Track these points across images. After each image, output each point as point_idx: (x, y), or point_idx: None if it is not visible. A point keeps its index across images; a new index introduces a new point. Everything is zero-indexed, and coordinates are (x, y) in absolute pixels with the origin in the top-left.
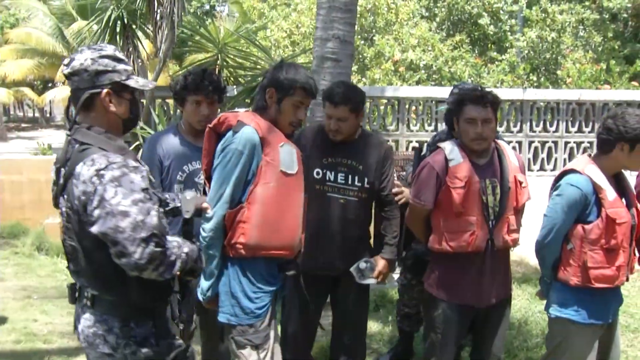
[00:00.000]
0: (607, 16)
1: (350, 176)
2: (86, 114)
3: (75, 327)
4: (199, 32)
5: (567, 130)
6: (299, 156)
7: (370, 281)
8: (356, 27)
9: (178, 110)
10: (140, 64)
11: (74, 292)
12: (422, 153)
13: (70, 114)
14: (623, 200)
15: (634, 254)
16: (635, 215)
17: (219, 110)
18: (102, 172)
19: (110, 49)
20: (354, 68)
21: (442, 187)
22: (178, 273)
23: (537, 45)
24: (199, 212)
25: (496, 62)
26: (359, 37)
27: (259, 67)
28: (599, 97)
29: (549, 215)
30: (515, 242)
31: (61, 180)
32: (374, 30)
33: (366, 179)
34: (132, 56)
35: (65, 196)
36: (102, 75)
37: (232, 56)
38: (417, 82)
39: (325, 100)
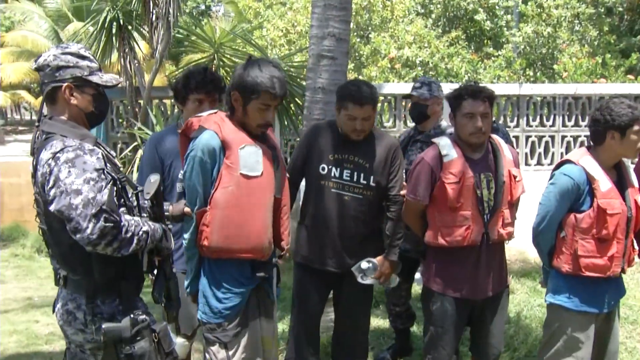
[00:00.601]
0: (602, 10)
1: (356, 173)
2: (51, 106)
3: (54, 309)
4: (195, 32)
5: (564, 125)
6: (268, 157)
7: (371, 281)
8: (352, 24)
9: (176, 110)
10: (136, 65)
11: (56, 275)
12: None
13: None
14: (628, 192)
15: (633, 247)
16: (632, 207)
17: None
18: (57, 154)
19: (75, 47)
20: (351, 66)
21: (436, 182)
22: (143, 252)
23: (533, 40)
24: (181, 217)
25: (492, 58)
26: (355, 34)
27: None
28: (595, 91)
29: (543, 203)
30: (509, 236)
31: (32, 170)
32: (369, 28)
33: (372, 177)
34: (128, 57)
35: (35, 182)
36: (63, 70)
37: (228, 56)
38: (414, 79)
39: (349, 102)
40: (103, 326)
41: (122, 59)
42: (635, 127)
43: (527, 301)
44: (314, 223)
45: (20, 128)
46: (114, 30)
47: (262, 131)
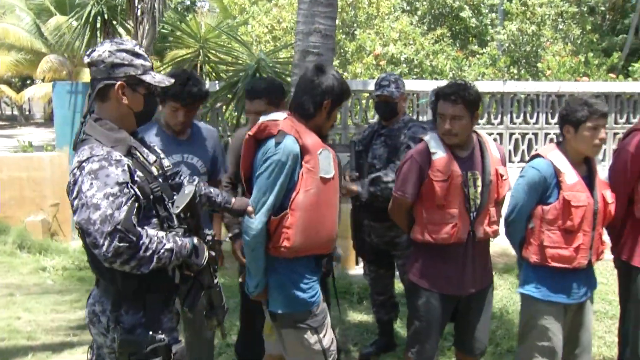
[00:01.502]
0: (585, 9)
1: None
2: (100, 104)
3: (87, 305)
4: (180, 28)
5: (547, 122)
6: (334, 159)
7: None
8: (337, 21)
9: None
10: None
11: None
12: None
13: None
14: (596, 185)
15: (602, 240)
16: (599, 201)
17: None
18: (83, 164)
19: (130, 44)
20: (336, 62)
21: (424, 179)
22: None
23: (518, 38)
24: (242, 213)
25: (477, 56)
26: (341, 31)
27: (240, 62)
28: (578, 89)
29: (513, 195)
30: (495, 233)
31: None
32: (355, 25)
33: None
34: None
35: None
36: (117, 67)
37: (213, 52)
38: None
39: (246, 97)
40: (120, 337)
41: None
42: (588, 124)
43: (510, 297)
44: None
45: (1, 123)
46: (98, 25)
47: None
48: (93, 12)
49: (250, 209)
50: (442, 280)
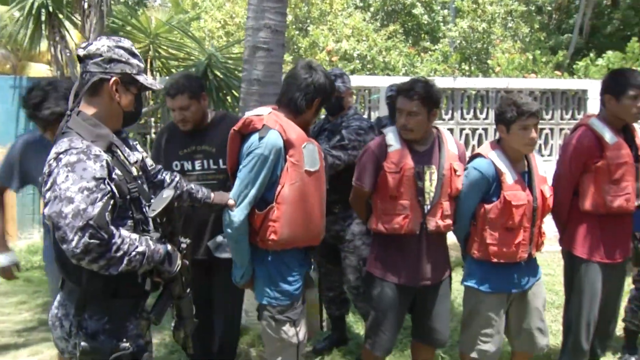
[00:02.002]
0: (533, 8)
1: (206, 161)
2: (90, 97)
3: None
4: (130, 23)
5: None
6: (320, 152)
7: (227, 255)
8: (291, 17)
9: None
10: (68, 54)
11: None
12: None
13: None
14: (535, 182)
15: (541, 233)
16: (538, 197)
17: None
18: (60, 155)
19: (127, 43)
20: (289, 58)
21: (380, 171)
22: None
23: (469, 35)
24: (223, 207)
25: (429, 52)
26: (294, 27)
27: (192, 57)
28: (526, 85)
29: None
30: (447, 227)
31: None
32: (308, 21)
33: (221, 161)
34: (59, 46)
35: None
36: (114, 63)
37: (164, 47)
38: (352, 72)
39: (166, 95)
40: (82, 344)
41: (52, 48)
42: (518, 124)
43: (461, 289)
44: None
45: None
46: (42, 17)
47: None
48: (36, 3)
49: (231, 202)
50: (397, 270)
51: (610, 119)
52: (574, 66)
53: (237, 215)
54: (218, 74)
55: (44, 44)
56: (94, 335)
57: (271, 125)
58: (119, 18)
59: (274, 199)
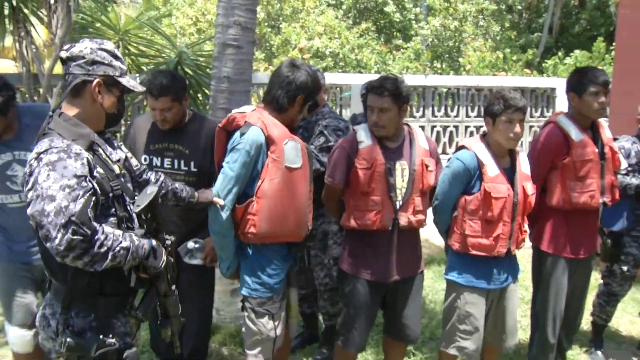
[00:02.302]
0: (503, 7)
1: (176, 161)
2: (72, 99)
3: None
4: (98, 19)
5: (467, 115)
6: (303, 149)
7: (198, 262)
8: (263, 14)
9: None
10: (34, 50)
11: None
12: None
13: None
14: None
15: (522, 230)
16: (520, 193)
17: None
18: (41, 155)
19: (110, 45)
20: (261, 56)
21: (352, 167)
22: (122, 268)
23: (441, 33)
24: (208, 204)
25: (402, 50)
26: (266, 24)
27: (163, 55)
28: (496, 83)
29: (440, 185)
30: (420, 223)
31: None
32: (280, 18)
33: (193, 163)
34: (24, 42)
35: None
36: (97, 65)
37: (134, 44)
38: (324, 70)
39: (147, 93)
40: (67, 340)
41: (17, 44)
42: (503, 117)
43: (432, 286)
44: None
45: None
46: (6, 12)
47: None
48: None
49: (216, 199)
50: (368, 266)
51: (576, 116)
52: (543, 64)
53: (224, 210)
54: (188, 71)
55: (8, 40)
56: (80, 333)
57: (253, 122)
58: (87, 14)
59: (254, 193)
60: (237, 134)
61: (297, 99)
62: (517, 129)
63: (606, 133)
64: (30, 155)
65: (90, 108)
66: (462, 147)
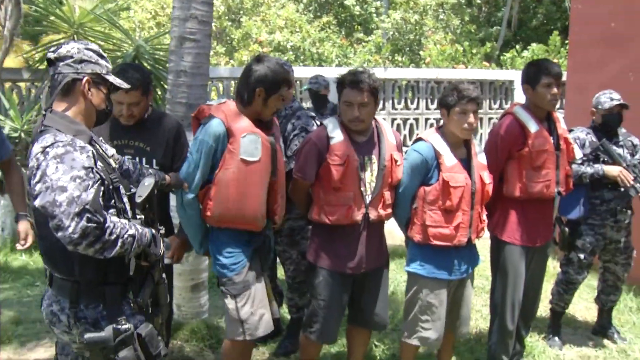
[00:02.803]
0: (463, 1)
1: (137, 158)
2: (63, 98)
3: (42, 305)
4: (52, 12)
5: (427, 107)
6: (265, 144)
7: (165, 261)
8: (223, 8)
9: (32, 94)
10: None
11: (45, 272)
12: None
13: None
14: (474, 167)
15: (481, 218)
16: (477, 181)
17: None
18: (47, 149)
19: (95, 46)
20: (222, 50)
21: (322, 162)
22: (129, 256)
23: (402, 26)
24: (179, 187)
25: (363, 43)
26: (227, 18)
27: (122, 49)
28: (455, 76)
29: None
30: (388, 217)
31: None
32: (241, 12)
33: (154, 160)
34: None
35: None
36: (85, 63)
37: (91, 38)
38: None
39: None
40: (85, 336)
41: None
42: (457, 108)
43: (394, 278)
44: None
45: None
46: None
47: (274, 116)
48: None
49: (186, 185)
50: (337, 258)
51: (532, 108)
52: (502, 57)
53: (189, 194)
54: (146, 65)
55: None
56: (94, 324)
57: (216, 114)
58: (40, 7)
59: (212, 180)
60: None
61: (257, 92)
62: (471, 119)
63: (562, 125)
64: (34, 149)
65: (81, 105)
66: (419, 139)
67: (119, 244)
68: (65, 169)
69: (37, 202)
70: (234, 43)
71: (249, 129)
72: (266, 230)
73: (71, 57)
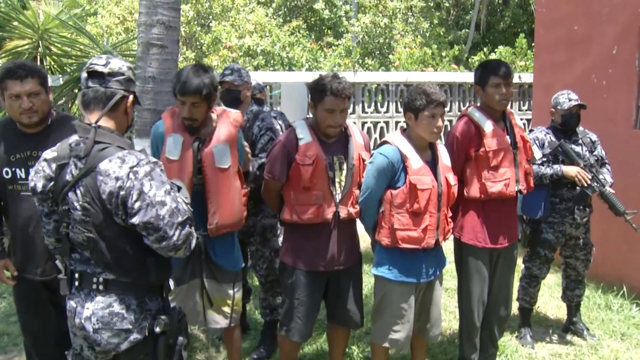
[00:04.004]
0: (432, 4)
1: None
2: (110, 113)
3: (78, 319)
4: (15, 17)
5: (397, 110)
6: (186, 145)
7: None
8: (192, 13)
9: None
10: None
11: (73, 281)
12: None
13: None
14: (440, 169)
15: (447, 220)
16: (443, 183)
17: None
18: (135, 168)
19: (130, 64)
20: (192, 55)
21: (292, 163)
22: None
23: (371, 30)
24: None
25: (333, 47)
26: (196, 23)
27: (89, 55)
28: (424, 79)
29: (364, 181)
30: (358, 214)
31: (68, 177)
32: (210, 17)
33: None
34: None
35: (82, 190)
36: (132, 83)
37: (57, 44)
38: (256, 68)
39: (6, 78)
40: (160, 317)
41: None
42: (426, 112)
43: (368, 280)
44: (14, 232)
45: None
46: None
47: (188, 124)
48: None
49: None
50: (310, 258)
51: (486, 108)
52: (470, 60)
53: None
54: None
55: None
56: (155, 314)
57: (162, 117)
58: (2, 12)
59: None
60: None
61: (177, 96)
62: (440, 122)
63: (517, 123)
64: (114, 169)
65: (122, 121)
66: (384, 142)
67: (194, 242)
68: (157, 185)
69: (138, 219)
70: (203, 48)
71: (176, 130)
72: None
73: (122, 74)
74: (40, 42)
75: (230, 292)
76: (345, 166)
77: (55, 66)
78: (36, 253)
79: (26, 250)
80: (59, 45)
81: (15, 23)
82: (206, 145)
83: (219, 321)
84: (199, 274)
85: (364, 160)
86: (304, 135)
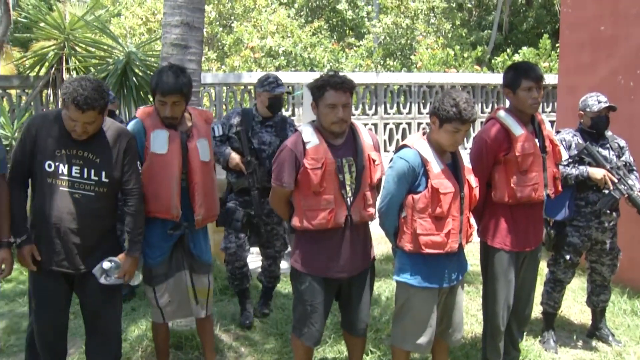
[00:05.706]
0: (454, 5)
1: (86, 169)
2: None
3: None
4: (42, 18)
5: (420, 112)
6: (174, 139)
7: (115, 281)
8: (214, 14)
9: (23, 101)
10: None
11: None
12: None
13: None
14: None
15: (470, 224)
16: (465, 186)
17: None
18: None
19: None
20: (214, 55)
21: (300, 168)
22: None
23: (393, 31)
24: None
25: (354, 48)
26: (218, 24)
27: (113, 56)
28: (447, 80)
29: (384, 186)
30: (371, 217)
31: None
32: (232, 18)
33: (104, 173)
34: None
35: None
36: None
37: (81, 45)
38: (277, 69)
39: (72, 103)
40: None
41: None
42: (452, 125)
43: (390, 283)
44: (43, 223)
45: None
46: None
47: (168, 122)
48: None
49: None
50: (322, 263)
51: (515, 111)
52: (493, 61)
53: None
54: (137, 72)
55: None
56: None
57: (137, 115)
58: (30, 13)
59: None
60: None
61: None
62: (461, 136)
63: (547, 126)
64: None
65: None
66: (404, 146)
67: None
68: None
69: None
70: (225, 49)
71: (158, 126)
72: (184, 226)
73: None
74: (65, 42)
75: (206, 282)
76: (354, 168)
77: (80, 66)
78: (66, 246)
79: (53, 243)
80: (84, 46)
81: (43, 24)
82: (191, 139)
83: (199, 311)
84: (182, 267)
85: (374, 161)
86: (311, 139)
